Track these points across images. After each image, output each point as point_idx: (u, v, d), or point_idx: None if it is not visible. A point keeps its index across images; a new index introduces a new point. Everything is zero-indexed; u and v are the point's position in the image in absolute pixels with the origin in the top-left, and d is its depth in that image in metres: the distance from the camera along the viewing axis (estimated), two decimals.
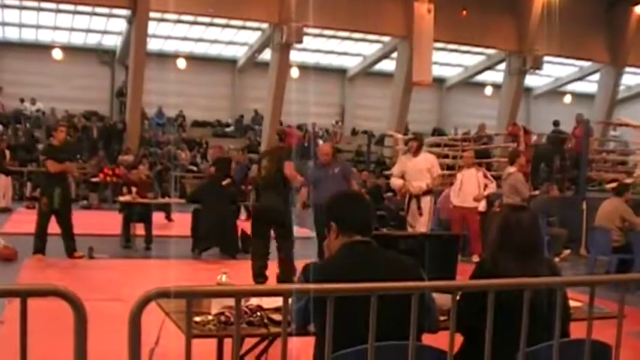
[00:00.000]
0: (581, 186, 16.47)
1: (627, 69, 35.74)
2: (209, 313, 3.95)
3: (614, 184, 14.17)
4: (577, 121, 21.45)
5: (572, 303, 4.09)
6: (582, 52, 34.12)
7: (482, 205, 14.22)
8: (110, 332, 4.29)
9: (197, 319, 3.84)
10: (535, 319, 3.14)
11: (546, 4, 30.10)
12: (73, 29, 31.87)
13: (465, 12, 29.21)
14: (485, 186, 14.08)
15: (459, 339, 3.56)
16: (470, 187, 14.02)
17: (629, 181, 15.53)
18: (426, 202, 12.73)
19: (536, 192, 15.28)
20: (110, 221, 15.58)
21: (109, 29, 31.94)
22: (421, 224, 12.54)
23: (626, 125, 21.82)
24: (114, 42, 32.90)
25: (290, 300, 3.19)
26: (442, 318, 3.70)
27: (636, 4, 31.93)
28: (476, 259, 12.39)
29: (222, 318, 3.88)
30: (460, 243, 8.04)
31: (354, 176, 12.23)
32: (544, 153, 20.27)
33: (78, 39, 32.76)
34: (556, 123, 23.30)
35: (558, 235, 14.23)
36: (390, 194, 21.83)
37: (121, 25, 30.66)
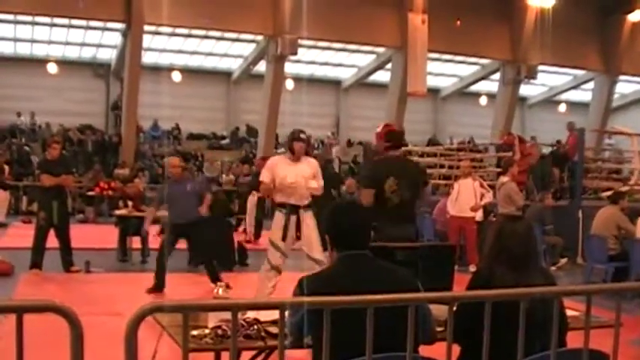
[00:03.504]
0: (576, 194, 16.49)
1: (621, 77, 35.79)
2: (206, 327, 3.95)
3: (609, 193, 14.20)
4: (568, 129, 21.51)
5: (568, 312, 4.10)
6: (576, 61, 34.19)
7: (479, 215, 14.24)
8: (107, 347, 4.28)
9: (194, 332, 3.84)
10: (532, 329, 3.15)
11: (540, 13, 30.16)
12: (67, 43, 31.85)
13: (459, 22, 29.30)
14: (482, 196, 14.10)
15: (455, 350, 3.56)
16: (467, 197, 14.02)
17: (624, 189, 15.54)
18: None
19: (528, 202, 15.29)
20: (106, 235, 15.55)
21: (103, 43, 31.90)
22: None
23: (621, 133, 21.89)
24: (109, 55, 32.86)
25: (286, 313, 3.20)
26: (439, 329, 3.71)
27: (629, 12, 32.00)
28: (473, 268, 12.40)
29: (219, 331, 3.88)
30: (457, 253, 8.04)
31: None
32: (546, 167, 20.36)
33: (73, 53, 32.76)
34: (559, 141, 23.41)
35: (554, 243, 14.24)
36: None
37: (115, 38, 30.64)
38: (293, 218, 8.61)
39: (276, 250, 8.58)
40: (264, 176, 8.68)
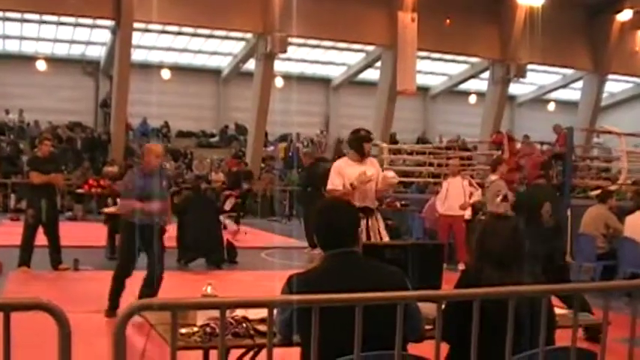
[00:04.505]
0: (565, 193, 16.52)
1: (610, 76, 35.96)
2: (194, 325, 3.94)
3: (598, 192, 14.22)
4: (555, 132, 21.56)
5: (557, 310, 4.10)
6: (565, 60, 34.32)
7: (467, 213, 14.26)
8: (96, 344, 4.28)
9: (182, 330, 3.84)
10: (520, 328, 3.16)
11: (529, 12, 30.22)
12: (56, 40, 31.77)
13: (448, 21, 29.32)
14: (471, 194, 14.12)
15: (444, 348, 3.57)
16: (456, 196, 14.05)
17: (612, 188, 15.58)
18: None
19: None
20: (95, 233, 15.50)
21: (92, 40, 31.83)
22: None
23: (609, 132, 21.90)
24: (98, 53, 32.79)
25: (275, 311, 3.20)
26: (427, 327, 3.71)
27: (618, 12, 32.11)
28: (462, 267, 12.42)
29: (208, 329, 3.88)
30: (446, 251, 8.05)
31: None
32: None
33: (62, 50, 32.67)
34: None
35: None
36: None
37: (105, 35, 30.58)
38: (365, 221, 8.14)
39: None
40: (336, 183, 8.23)
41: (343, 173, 8.22)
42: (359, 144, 8.49)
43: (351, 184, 8.08)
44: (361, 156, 8.43)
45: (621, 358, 3.36)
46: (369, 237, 8.07)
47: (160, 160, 9.32)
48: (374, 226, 8.28)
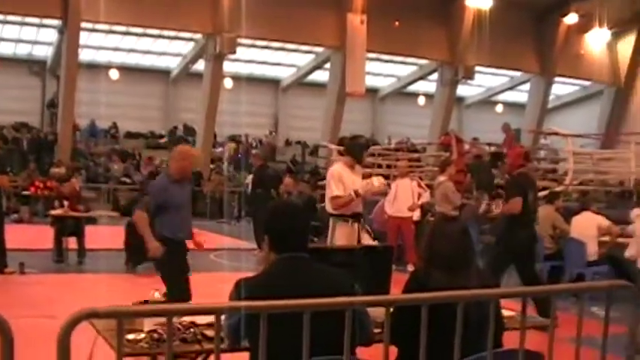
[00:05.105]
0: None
1: (557, 79, 36.45)
2: (141, 331, 3.90)
3: (545, 192, 14.37)
4: (503, 131, 21.79)
5: (505, 312, 4.14)
6: (513, 63, 34.73)
7: (416, 215, 14.33)
8: (41, 351, 4.21)
9: (129, 336, 3.79)
10: (468, 331, 3.17)
11: (477, 15, 30.54)
12: (2, 39, 31.35)
13: (397, 23, 29.48)
14: (420, 195, 14.19)
15: (393, 351, 3.57)
16: (404, 197, 14.10)
17: (559, 189, 15.77)
18: None
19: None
20: (42, 235, 15.31)
21: (39, 39, 31.48)
22: None
23: (556, 134, 22.17)
24: (45, 52, 32.39)
25: (223, 316, 3.17)
26: (376, 330, 3.71)
27: (564, 15, 32.55)
28: (411, 268, 12.46)
29: (155, 335, 3.84)
30: (395, 253, 8.07)
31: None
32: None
33: (8, 49, 32.25)
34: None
35: (491, 243, 14.36)
36: (323, 204, 21.85)
37: (51, 35, 30.23)
38: (356, 226, 8.11)
39: None
40: (340, 189, 8.02)
41: (344, 181, 8.07)
42: (359, 151, 8.40)
43: (356, 192, 7.98)
44: (359, 163, 8.35)
45: (569, 357, 3.40)
46: (359, 242, 7.98)
47: (192, 163, 8.13)
48: (362, 232, 8.21)
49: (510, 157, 18.25)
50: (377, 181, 8.27)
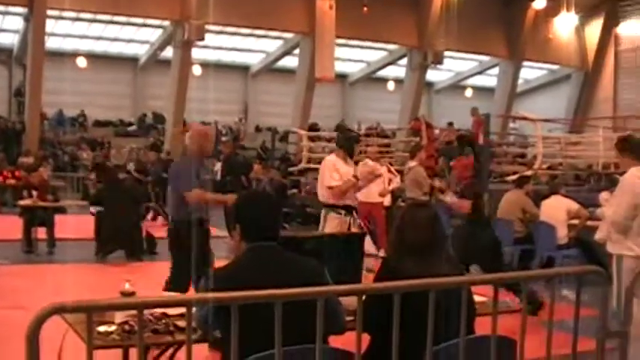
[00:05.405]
0: (483, 178, 16.74)
1: (525, 63, 36.61)
2: (113, 323, 3.88)
3: (514, 177, 14.43)
4: (472, 114, 21.89)
5: (477, 298, 4.15)
6: (481, 47, 34.85)
7: (387, 200, 14.33)
8: (11, 342, 4.16)
9: (100, 328, 3.77)
10: (440, 317, 3.18)
11: (445, 0, 30.60)
12: None
13: (366, 8, 29.41)
14: (390, 180, 14.18)
15: (365, 338, 3.57)
16: (375, 182, 14.09)
17: (529, 173, 15.83)
18: None
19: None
20: (10, 226, 15.15)
21: (5, 27, 31.07)
22: None
23: (525, 119, 22.30)
24: (10, 40, 31.99)
25: (194, 308, 3.16)
26: (349, 318, 3.71)
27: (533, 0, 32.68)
28: (383, 253, 12.49)
29: (127, 327, 3.82)
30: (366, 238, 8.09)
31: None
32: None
33: None
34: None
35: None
36: (294, 191, 21.86)
37: (17, 22, 29.86)
38: (348, 219, 8.30)
39: None
40: (335, 179, 8.26)
41: (339, 170, 8.31)
42: (350, 144, 8.75)
43: (355, 176, 8.25)
44: (351, 156, 8.65)
45: (542, 340, 3.42)
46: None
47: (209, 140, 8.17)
48: (353, 225, 8.34)
49: (457, 168, 18.44)
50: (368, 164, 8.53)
